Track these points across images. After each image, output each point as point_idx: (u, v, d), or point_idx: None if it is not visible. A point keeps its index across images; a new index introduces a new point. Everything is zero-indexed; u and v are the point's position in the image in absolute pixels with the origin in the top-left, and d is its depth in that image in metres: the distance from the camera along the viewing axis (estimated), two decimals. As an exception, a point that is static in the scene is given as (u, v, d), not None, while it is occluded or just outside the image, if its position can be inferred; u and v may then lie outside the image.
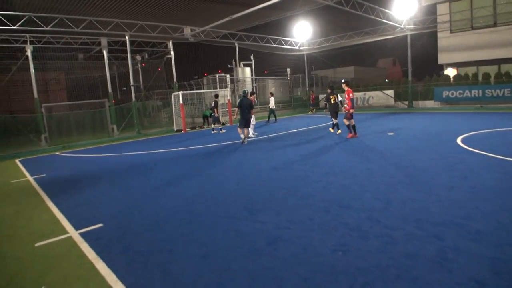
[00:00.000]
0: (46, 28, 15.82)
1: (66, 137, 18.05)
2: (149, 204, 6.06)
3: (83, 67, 25.65)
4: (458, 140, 9.79)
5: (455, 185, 5.71)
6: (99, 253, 4.20)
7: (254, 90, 26.86)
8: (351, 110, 11.68)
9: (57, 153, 14.80)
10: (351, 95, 11.69)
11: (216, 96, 18.37)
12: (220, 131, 17.39)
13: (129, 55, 19.65)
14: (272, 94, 21.47)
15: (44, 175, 9.74)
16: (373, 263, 3.41)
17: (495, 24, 21.43)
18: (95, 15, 16.69)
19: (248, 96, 12.85)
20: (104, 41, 19.78)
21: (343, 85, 12.13)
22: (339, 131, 13.10)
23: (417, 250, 3.60)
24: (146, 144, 15.25)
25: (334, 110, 13.07)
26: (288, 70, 31.33)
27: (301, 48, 28.11)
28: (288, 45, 27.09)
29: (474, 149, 8.47)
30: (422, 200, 5.08)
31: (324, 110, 24.32)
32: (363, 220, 4.50)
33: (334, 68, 40.29)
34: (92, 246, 4.42)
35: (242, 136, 12.50)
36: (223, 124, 18.35)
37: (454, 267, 3.22)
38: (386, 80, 30.72)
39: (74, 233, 4.93)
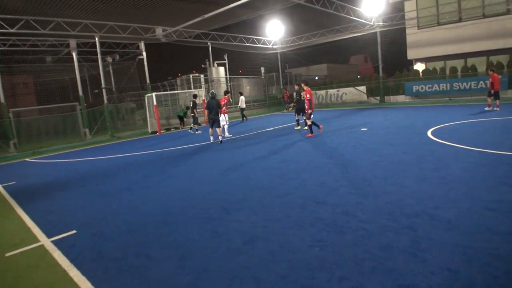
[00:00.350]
0: (11, 30, 15.23)
1: (36, 143, 17.45)
2: (123, 208, 5.92)
3: (52, 70, 24.86)
4: (429, 133, 10.08)
5: (426, 176, 5.87)
6: (72, 260, 4.07)
7: (228, 90, 26.80)
8: (309, 110, 11.63)
9: (27, 159, 14.27)
10: (308, 95, 11.52)
11: (195, 96, 18.24)
12: (196, 132, 17.23)
13: (99, 56, 19.15)
14: (241, 94, 21.48)
15: (14, 182, 9.39)
16: (349, 257, 3.45)
17: (460, 20, 22.22)
18: (62, 16, 16.17)
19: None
20: (73, 42, 19.22)
21: (302, 85, 12.10)
22: (298, 127, 14.19)
23: (392, 242, 3.67)
24: (119, 147, 14.92)
25: (302, 107, 13.13)
26: (262, 69, 31.37)
27: (274, 46, 28.24)
28: (261, 44, 27.16)
29: (444, 141, 8.74)
30: (395, 193, 5.19)
31: (289, 109, 24.49)
32: (339, 215, 4.55)
33: (308, 66, 40.68)
34: (65, 253, 4.29)
35: (211, 137, 12.84)
36: (199, 124, 18.18)
37: (428, 257, 3.30)
38: (359, 76, 31.29)
39: (46, 241, 4.77)
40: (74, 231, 5.03)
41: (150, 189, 7.01)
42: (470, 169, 6.08)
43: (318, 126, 12.12)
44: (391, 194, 5.15)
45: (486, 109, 14.69)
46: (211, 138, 12.92)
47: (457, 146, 7.97)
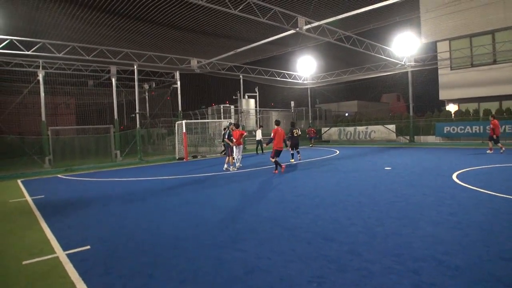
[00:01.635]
0: (58, 55, 16.49)
1: (70, 160, 18.37)
2: (138, 229, 6.12)
3: (92, 93, 26.40)
4: (454, 176, 9.81)
5: (442, 220, 5.71)
6: (81, 274, 4.25)
7: (260, 122, 27.36)
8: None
9: (59, 175, 15.00)
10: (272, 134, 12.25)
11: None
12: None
13: (136, 83, 20.23)
14: (261, 126, 21.81)
15: (43, 196, 9.90)
16: (347, 295, 3.42)
17: (494, 62, 21.85)
18: (106, 44, 17.42)
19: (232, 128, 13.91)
20: (113, 69, 20.47)
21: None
22: (292, 160, 15.27)
23: (393, 285, 3.59)
24: (146, 170, 15.42)
25: (295, 142, 15.21)
26: (292, 103, 31.82)
27: (304, 82, 28.69)
28: (292, 79, 27.69)
29: (468, 185, 8.48)
30: (406, 235, 5.08)
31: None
32: (344, 253, 4.51)
33: (338, 102, 40.81)
34: (76, 267, 4.48)
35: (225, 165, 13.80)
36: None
37: (427, 303, 3.22)
38: (390, 114, 31.02)
39: (61, 254, 5.01)
40: (88, 247, 5.25)
41: (166, 213, 7.20)
42: (489, 215, 5.87)
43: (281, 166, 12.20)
44: (402, 236, 5.04)
45: (488, 152, 15.46)
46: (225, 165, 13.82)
47: (481, 191, 7.70)
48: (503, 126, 19.21)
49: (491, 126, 15.33)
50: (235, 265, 4.27)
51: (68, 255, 4.93)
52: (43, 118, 17.95)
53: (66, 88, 23.52)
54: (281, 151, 12.20)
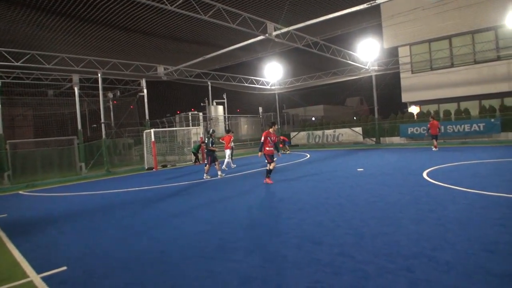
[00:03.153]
0: (16, 63, 15.59)
1: (31, 175, 17.31)
2: (116, 245, 5.81)
3: (53, 103, 25.19)
4: (424, 174, 10.16)
5: (422, 217, 5.86)
6: (62, 298, 3.95)
7: (229, 128, 27.14)
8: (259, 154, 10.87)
9: (20, 192, 14.11)
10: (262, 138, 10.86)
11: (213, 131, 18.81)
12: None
13: (100, 92, 19.53)
14: (232, 132, 21.71)
15: (5, 215, 9.21)
16: (347, 298, 3.39)
17: (452, 65, 23.04)
18: (67, 52, 16.68)
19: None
20: (75, 77, 19.63)
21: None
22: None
23: (390, 284, 3.61)
24: (114, 182, 14.83)
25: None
26: (260, 109, 31.96)
27: (272, 87, 28.92)
28: (260, 85, 27.83)
29: (440, 182, 8.80)
30: (392, 234, 5.16)
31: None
32: (336, 255, 4.50)
33: (305, 107, 41.49)
34: (54, 291, 4.16)
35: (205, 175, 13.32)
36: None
37: (426, 300, 3.25)
38: (355, 118, 31.88)
39: (35, 277, 4.61)
40: (65, 267, 4.89)
41: (144, 226, 6.91)
42: (466, 210, 6.10)
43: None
44: (388, 235, 5.11)
45: (433, 149, 17.26)
46: (205, 175, 13.37)
47: (453, 188, 8.01)
48: (463, 126, 20.25)
49: (429, 125, 17.74)
50: (229, 276, 4.13)
51: (44, 278, 4.54)
52: (0, 131, 16.87)
53: (24, 99, 22.31)
54: (272, 155, 10.76)
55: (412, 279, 3.67)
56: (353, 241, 4.97)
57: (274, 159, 10.98)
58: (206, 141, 13.39)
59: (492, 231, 4.94)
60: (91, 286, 4.24)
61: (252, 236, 5.61)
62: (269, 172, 10.86)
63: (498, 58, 21.45)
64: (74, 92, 19.82)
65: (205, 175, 13.22)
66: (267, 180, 10.87)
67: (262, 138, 10.76)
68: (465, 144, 19.01)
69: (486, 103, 21.63)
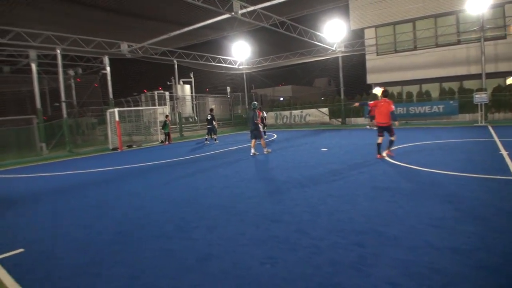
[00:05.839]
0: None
1: (-14, 157, 16.46)
2: (75, 227, 5.71)
3: (9, 81, 23.85)
4: (384, 154, 10.52)
5: (377, 195, 6.13)
6: (18, 280, 3.86)
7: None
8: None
9: (-26, 175, 13.43)
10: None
11: (211, 110, 19.39)
12: (215, 141, 18.72)
13: (60, 69, 18.61)
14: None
15: (-44, 199, 8.78)
16: (299, 273, 3.53)
17: (415, 48, 23.67)
18: (22, 26, 15.66)
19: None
20: (33, 53, 18.52)
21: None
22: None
23: (340, 258, 3.79)
24: (77, 163, 14.40)
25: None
26: (228, 88, 31.70)
27: (240, 67, 28.67)
28: (227, 64, 27.50)
29: (397, 161, 9.18)
30: (347, 211, 5.37)
31: None
32: (292, 232, 4.65)
33: (273, 87, 41.52)
34: (10, 272, 4.06)
35: (252, 150, 12.54)
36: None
37: (372, 272, 3.44)
38: (322, 98, 32.31)
39: (-11, 260, 4.50)
40: (22, 249, 4.78)
41: (105, 206, 6.81)
42: (418, 188, 6.42)
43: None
44: (343, 212, 5.32)
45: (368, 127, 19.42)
46: (252, 150, 12.55)
47: (409, 167, 8.39)
48: (424, 107, 21.05)
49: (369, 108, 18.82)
50: (186, 254, 4.18)
51: (-1, 260, 4.45)
52: (-50, 110, 15.84)
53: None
54: (383, 127, 9.85)
55: (361, 253, 3.87)
56: (309, 219, 5.14)
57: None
58: (253, 115, 12.46)
59: (439, 208, 5.24)
60: (49, 266, 4.18)
61: (212, 216, 5.65)
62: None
63: (459, 42, 22.23)
64: (31, 69, 18.77)
65: (252, 150, 12.49)
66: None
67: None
68: (426, 125, 19.80)
69: (446, 85, 22.49)
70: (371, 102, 10.53)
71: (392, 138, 9.90)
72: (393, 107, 9.69)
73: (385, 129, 9.82)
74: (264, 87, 40.93)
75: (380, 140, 9.94)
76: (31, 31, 15.90)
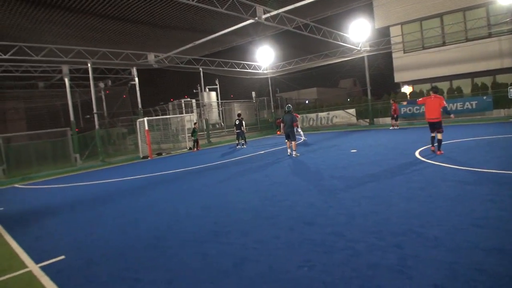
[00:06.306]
0: (4, 57, 15.34)
1: (26, 169, 17.26)
2: (112, 233, 5.88)
3: (44, 95, 24.91)
4: (416, 153, 10.26)
5: (413, 195, 5.96)
6: (61, 286, 4.02)
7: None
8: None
9: (16, 185, 14.11)
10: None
11: (239, 115, 19.85)
12: (243, 146, 19.21)
13: (91, 82, 19.31)
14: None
15: (2, 208, 9.25)
16: (338, 276, 3.48)
17: (444, 44, 22.97)
18: (55, 43, 16.39)
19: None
20: (65, 68, 19.30)
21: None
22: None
23: (379, 260, 3.70)
24: (110, 172, 14.85)
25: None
26: (253, 93, 31.81)
27: (264, 71, 28.74)
28: (252, 69, 27.63)
29: (431, 160, 8.90)
30: (383, 212, 5.25)
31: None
32: (327, 235, 4.59)
33: (298, 90, 41.33)
34: (53, 279, 4.22)
35: (288, 150, 13.32)
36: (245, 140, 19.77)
37: (414, 274, 3.34)
38: (348, 99, 31.86)
39: (34, 267, 4.69)
40: (63, 257, 4.97)
41: (140, 214, 6.97)
42: (456, 187, 6.19)
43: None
44: (378, 214, 5.21)
45: (390, 128, 20.26)
46: (288, 150, 13.32)
47: (444, 166, 8.12)
48: (455, 104, 20.34)
49: (393, 107, 20.32)
50: (222, 259, 4.21)
51: (42, 268, 4.62)
52: (-8, 125, 16.75)
53: (15, 92, 22.02)
54: (434, 123, 9.94)
55: (401, 255, 3.76)
56: (344, 221, 5.06)
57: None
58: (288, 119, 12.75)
59: (481, 207, 5.03)
60: (89, 273, 4.32)
61: (245, 219, 5.68)
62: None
63: (490, 35, 21.38)
64: (64, 83, 19.55)
65: (288, 150, 13.27)
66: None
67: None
68: (458, 122, 19.11)
69: (478, 80, 21.65)
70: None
71: (440, 137, 9.93)
72: (445, 102, 9.82)
73: (435, 125, 9.93)
74: (288, 90, 40.80)
75: (433, 134, 10.21)
76: (62, 47, 16.60)
